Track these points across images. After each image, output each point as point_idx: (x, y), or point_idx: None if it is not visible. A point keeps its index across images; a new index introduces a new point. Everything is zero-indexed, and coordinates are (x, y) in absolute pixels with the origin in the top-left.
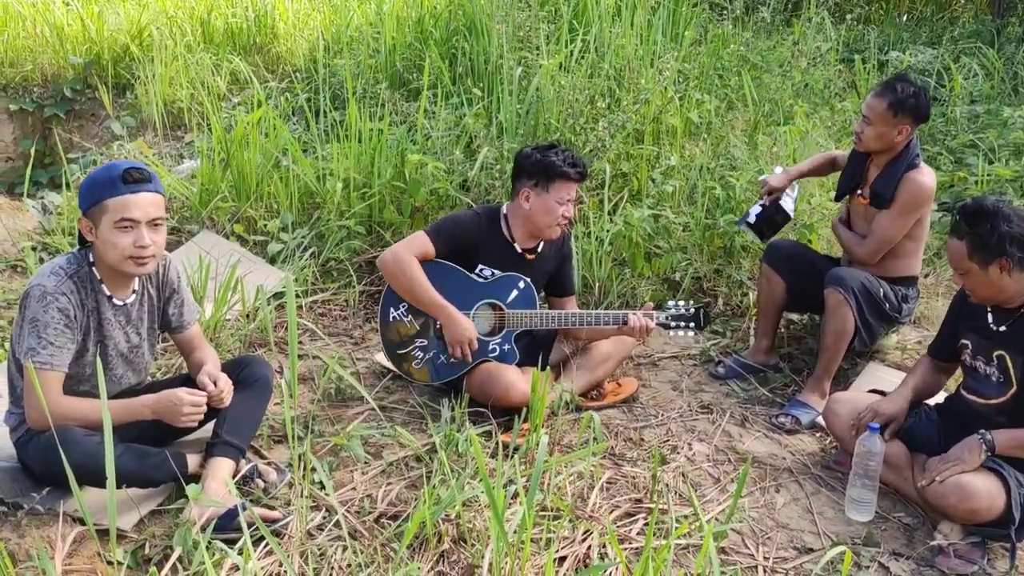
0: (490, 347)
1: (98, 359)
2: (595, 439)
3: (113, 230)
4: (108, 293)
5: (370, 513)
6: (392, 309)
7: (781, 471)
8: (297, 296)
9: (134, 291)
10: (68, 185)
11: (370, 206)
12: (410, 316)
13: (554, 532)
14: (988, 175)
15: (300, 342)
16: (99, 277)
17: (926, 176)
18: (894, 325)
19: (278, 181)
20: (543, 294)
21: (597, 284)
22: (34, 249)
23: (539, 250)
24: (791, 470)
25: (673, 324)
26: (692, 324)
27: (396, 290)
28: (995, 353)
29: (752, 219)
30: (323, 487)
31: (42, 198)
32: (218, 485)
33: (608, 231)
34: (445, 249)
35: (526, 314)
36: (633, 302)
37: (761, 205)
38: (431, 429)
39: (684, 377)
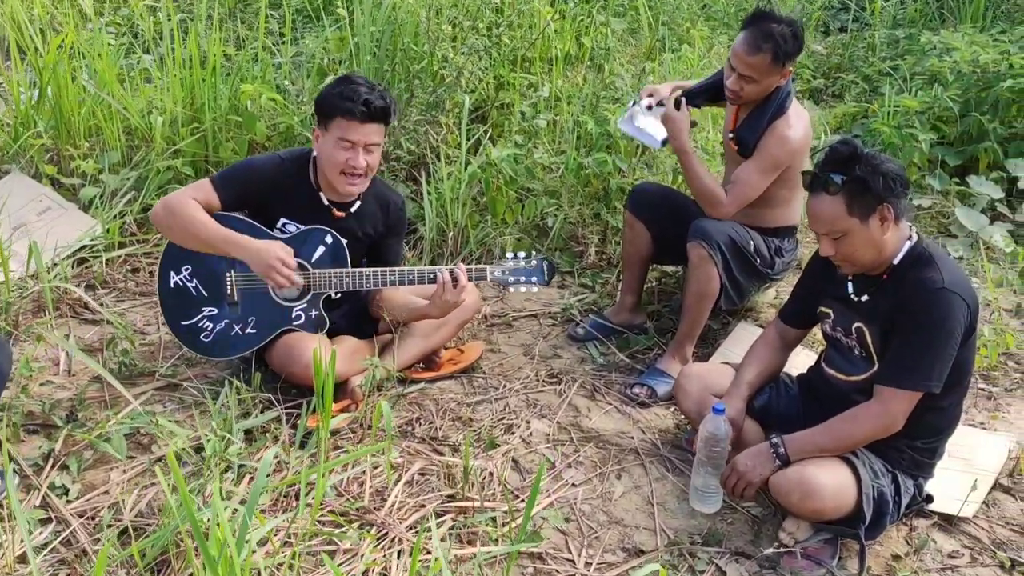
0: (293, 314)
1: None
2: (383, 429)
3: None
4: None
5: (111, 526)
6: (173, 273)
7: (627, 452)
8: (105, 249)
9: None
10: None
11: (203, 143)
12: (196, 280)
13: (337, 543)
14: (896, 106)
15: (101, 303)
16: None
17: (793, 126)
18: (767, 282)
19: (100, 115)
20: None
21: (451, 232)
22: None
23: (355, 209)
24: (638, 451)
25: (511, 280)
26: (534, 279)
27: (176, 240)
28: (855, 325)
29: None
30: (67, 492)
31: None
32: None
33: (464, 172)
34: (234, 199)
35: (335, 273)
36: (496, 253)
37: (634, 103)
38: (212, 415)
39: (539, 340)
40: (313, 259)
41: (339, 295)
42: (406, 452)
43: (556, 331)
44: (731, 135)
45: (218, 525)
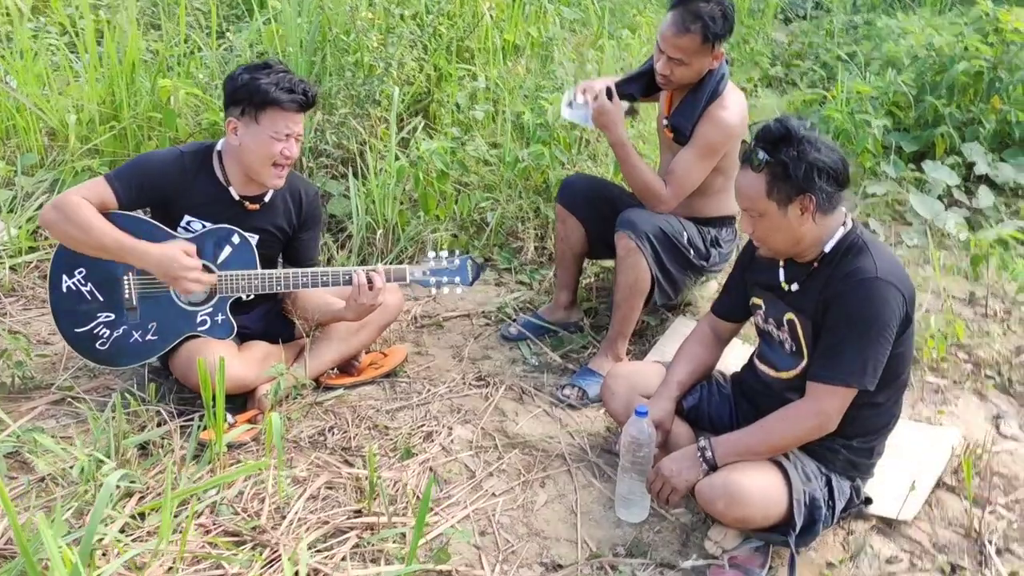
0: (198, 319)
1: None
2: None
3: None
4: None
5: None
6: (66, 277)
7: (553, 458)
8: (12, 255)
9: None
10: None
11: (123, 142)
12: (90, 284)
13: (225, 566)
14: (848, 92)
15: (5, 312)
16: None
17: (729, 109)
18: (703, 274)
19: (19, 117)
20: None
21: (380, 230)
22: None
23: (267, 199)
24: (565, 457)
25: (433, 280)
26: (457, 279)
27: (68, 245)
28: (786, 317)
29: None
30: None
31: None
32: None
33: (398, 168)
34: (131, 197)
35: (242, 275)
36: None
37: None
38: (94, 432)
39: (470, 341)
40: (219, 260)
41: (250, 297)
42: (314, 464)
43: (489, 331)
44: (665, 122)
45: (62, 556)
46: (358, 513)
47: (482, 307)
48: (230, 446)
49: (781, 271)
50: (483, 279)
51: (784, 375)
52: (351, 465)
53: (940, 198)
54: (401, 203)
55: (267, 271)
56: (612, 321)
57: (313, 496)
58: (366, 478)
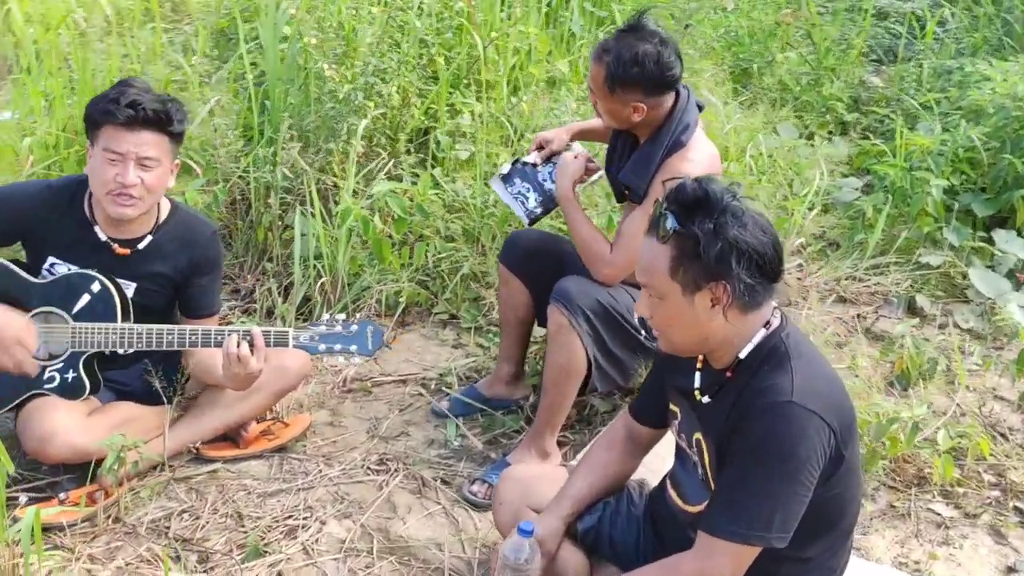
0: (46, 375)
1: None
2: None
3: None
4: None
5: None
6: None
7: (430, 573)
8: None
9: None
10: None
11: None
12: None
13: None
14: (908, 144)
15: None
16: None
17: (693, 161)
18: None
19: None
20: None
21: (326, 278)
22: None
23: (144, 246)
24: (452, 572)
25: (322, 347)
26: (353, 347)
27: None
28: (695, 435)
29: (507, 177)
30: None
31: None
32: None
33: (343, 211)
34: None
35: (98, 329)
36: (376, 305)
37: (523, 163)
38: None
39: (395, 413)
40: (75, 310)
41: (126, 352)
42: (138, 559)
43: (421, 402)
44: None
45: None
46: None
47: (427, 371)
48: (46, 529)
49: (698, 375)
50: (440, 339)
51: (691, 508)
52: (177, 561)
53: (1010, 275)
54: (355, 248)
55: (126, 325)
56: (539, 409)
57: None
58: None
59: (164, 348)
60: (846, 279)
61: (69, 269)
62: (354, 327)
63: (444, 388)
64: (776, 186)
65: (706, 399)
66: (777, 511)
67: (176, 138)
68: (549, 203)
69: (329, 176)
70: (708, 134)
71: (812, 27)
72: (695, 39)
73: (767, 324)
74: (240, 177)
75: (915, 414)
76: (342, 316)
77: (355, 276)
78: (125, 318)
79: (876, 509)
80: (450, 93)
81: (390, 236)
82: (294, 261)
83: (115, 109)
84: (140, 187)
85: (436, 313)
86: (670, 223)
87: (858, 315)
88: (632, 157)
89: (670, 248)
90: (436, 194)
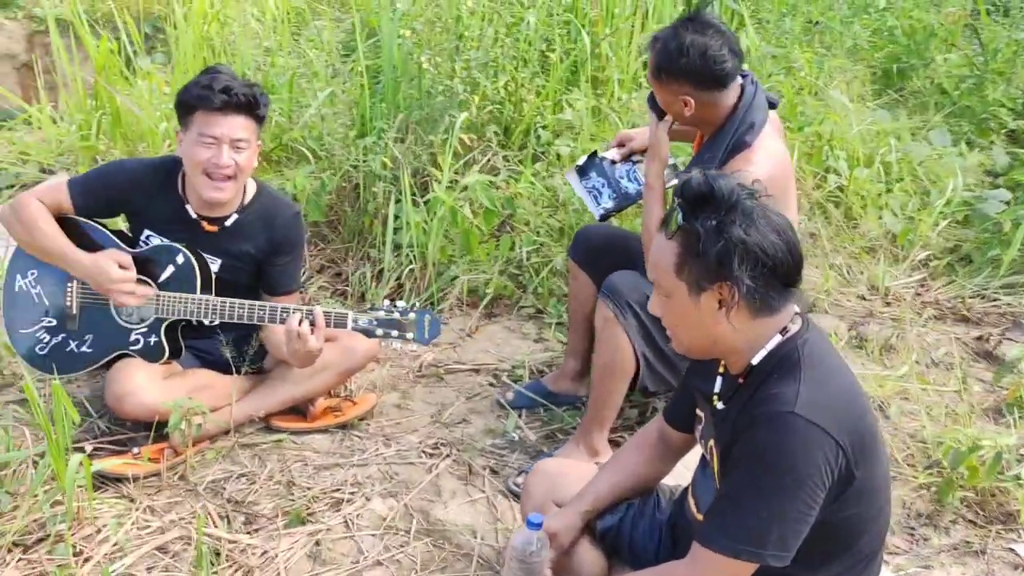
0: (131, 337)
1: None
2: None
3: None
4: None
5: None
6: (19, 276)
7: (458, 559)
8: None
9: None
10: None
11: None
12: (39, 287)
13: None
14: None
15: None
16: None
17: (756, 164)
18: None
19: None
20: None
21: (415, 266)
22: None
23: (230, 223)
24: (473, 559)
25: (379, 332)
26: (409, 335)
27: (19, 243)
28: (710, 441)
29: (583, 170)
30: None
31: None
32: None
33: (431, 200)
34: (87, 204)
35: (178, 298)
36: (459, 295)
37: (601, 159)
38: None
39: (461, 400)
40: (160, 279)
41: (213, 322)
42: (189, 516)
43: (490, 392)
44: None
45: None
46: None
47: (502, 363)
48: (116, 479)
49: (718, 380)
50: (522, 332)
51: (701, 516)
52: (224, 521)
53: None
54: (447, 239)
55: (203, 297)
56: (588, 404)
57: (149, 554)
58: (226, 542)
59: (234, 321)
60: (972, 297)
61: (162, 242)
62: (412, 315)
63: (514, 380)
64: (909, 195)
65: (720, 405)
66: (773, 528)
67: (261, 121)
68: (623, 200)
69: (430, 167)
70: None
71: (981, 27)
72: (843, 39)
73: (784, 330)
74: (353, 166)
75: (1001, 443)
76: (402, 303)
77: (446, 265)
78: (204, 290)
79: (947, 543)
80: (568, 90)
81: (479, 228)
82: (385, 248)
83: (210, 95)
84: (233, 167)
85: (522, 306)
86: (678, 218)
87: (980, 336)
88: (694, 158)
89: (676, 244)
90: (528, 188)
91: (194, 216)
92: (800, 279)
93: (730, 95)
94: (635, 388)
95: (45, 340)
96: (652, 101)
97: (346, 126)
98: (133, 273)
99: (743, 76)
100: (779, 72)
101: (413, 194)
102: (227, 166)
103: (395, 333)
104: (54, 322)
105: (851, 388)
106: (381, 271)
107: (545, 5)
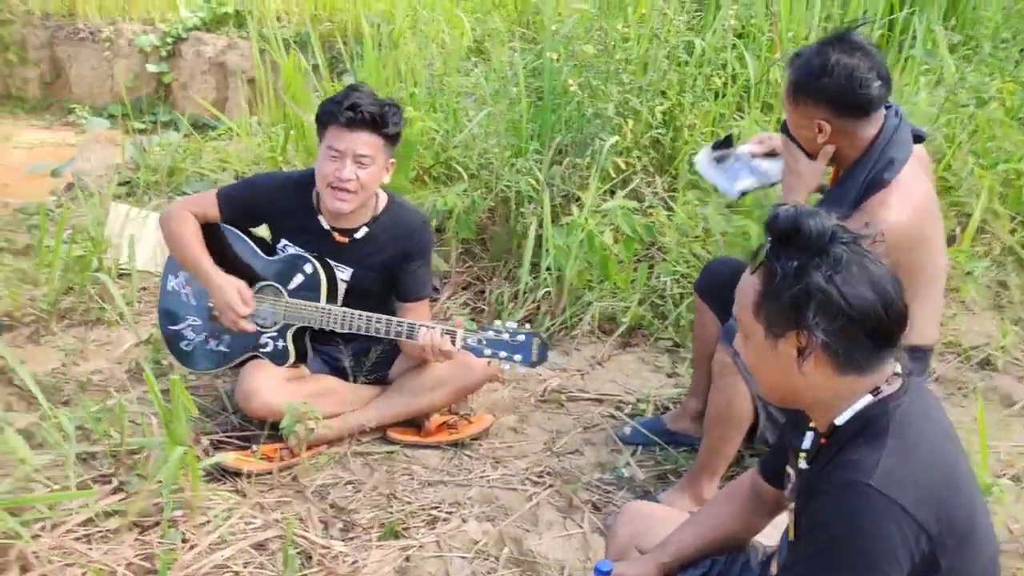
0: (262, 339)
1: None
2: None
3: None
4: None
5: None
6: (172, 278)
7: None
8: None
9: None
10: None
11: None
12: (188, 288)
13: None
14: None
15: None
16: None
17: (892, 206)
18: None
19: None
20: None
21: (552, 289)
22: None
23: (361, 236)
24: None
25: (487, 352)
26: (517, 357)
27: (168, 248)
28: (792, 504)
29: (715, 161)
30: None
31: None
32: None
33: (570, 224)
34: (232, 214)
35: (303, 306)
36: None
37: (737, 154)
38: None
39: (578, 430)
40: (290, 287)
41: (345, 330)
42: (283, 518)
43: (609, 424)
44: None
45: None
46: None
47: (629, 394)
48: (234, 473)
49: (808, 436)
50: (655, 365)
51: None
52: (326, 528)
53: None
54: (586, 262)
55: (326, 305)
56: (699, 450)
57: (246, 550)
58: (323, 547)
59: (352, 331)
60: None
61: (295, 251)
62: (521, 337)
63: (636, 414)
64: None
65: (803, 464)
66: None
67: (391, 139)
68: (764, 179)
69: (575, 190)
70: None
71: None
72: None
73: (877, 391)
74: (506, 186)
75: None
76: (513, 324)
77: (584, 290)
78: (330, 300)
79: None
80: (737, 116)
81: (618, 255)
82: (523, 268)
83: (338, 111)
84: (355, 182)
85: (660, 338)
86: (763, 254)
87: None
88: (824, 194)
89: (757, 282)
90: (670, 216)
91: (326, 227)
92: (898, 339)
93: (870, 126)
94: (754, 439)
95: (190, 337)
96: (786, 128)
97: (501, 146)
98: (248, 309)
99: (887, 107)
100: (969, 101)
101: (557, 217)
102: (349, 180)
103: (503, 354)
104: (198, 321)
105: (946, 463)
106: (520, 291)
107: (713, 27)
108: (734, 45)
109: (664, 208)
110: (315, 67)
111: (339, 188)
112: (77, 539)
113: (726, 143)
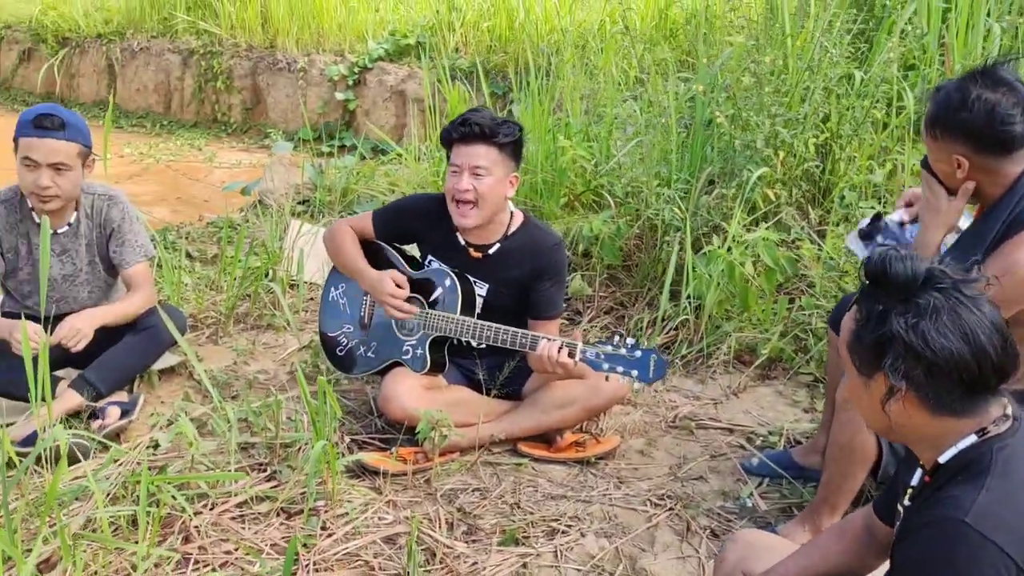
0: (404, 347)
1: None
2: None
3: (21, 167)
4: (38, 221)
5: None
6: (333, 289)
7: None
8: None
9: (68, 223)
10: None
11: (534, 191)
12: (345, 298)
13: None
14: None
15: None
16: (30, 206)
17: None
18: None
19: None
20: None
21: (689, 316)
22: (303, 202)
23: (493, 251)
24: None
25: (606, 366)
26: (634, 372)
27: (331, 260)
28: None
29: (867, 235)
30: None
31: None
32: (55, 412)
33: (711, 253)
34: (385, 232)
35: (440, 317)
36: (721, 353)
37: (887, 222)
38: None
39: (705, 457)
40: (431, 299)
41: (481, 345)
42: (424, 515)
43: (737, 455)
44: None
45: None
46: None
47: (760, 427)
48: (372, 471)
49: (917, 473)
50: (793, 399)
51: None
52: (449, 527)
53: None
54: (727, 292)
55: (461, 317)
56: (820, 485)
57: (388, 540)
58: (446, 546)
59: (482, 342)
60: None
61: (440, 266)
62: (638, 353)
63: (767, 447)
64: None
65: (907, 501)
66: None
67: (505, 149)
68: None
69: (720, 220)
70: None
71: None
72: None
73: (983, 431)
74: (655, 213)
75: None
76: (632, 340)
77: (723, 319)
78: (465, 312)
79: None
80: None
81: (760, 286)
82: (662, 295)
83: (453, 128)
84: (472, 192)
85: (800, 372)
86: (860, 290)
87: None
88: (962, 233)
89: (851, 321)
90: (814, 250)
91: (463, 243)
92: (997, 385)
93: (1014, 164)
94: (878, 474)
95: (343, 343)
96: (927, 163)
97: (649, 175)
98: (405, 292)
99: None
100: None
101: (701, 246)
102: (465, 190)
103: (620, 369)
104: (352, 328)
105: None
106: (663, 317)
107: (879, 60)
108: (906, 76)
109: (811, 241)
110: (479, 95)
111: (460, 201)
112: (232, 518)
113: (874, 221)
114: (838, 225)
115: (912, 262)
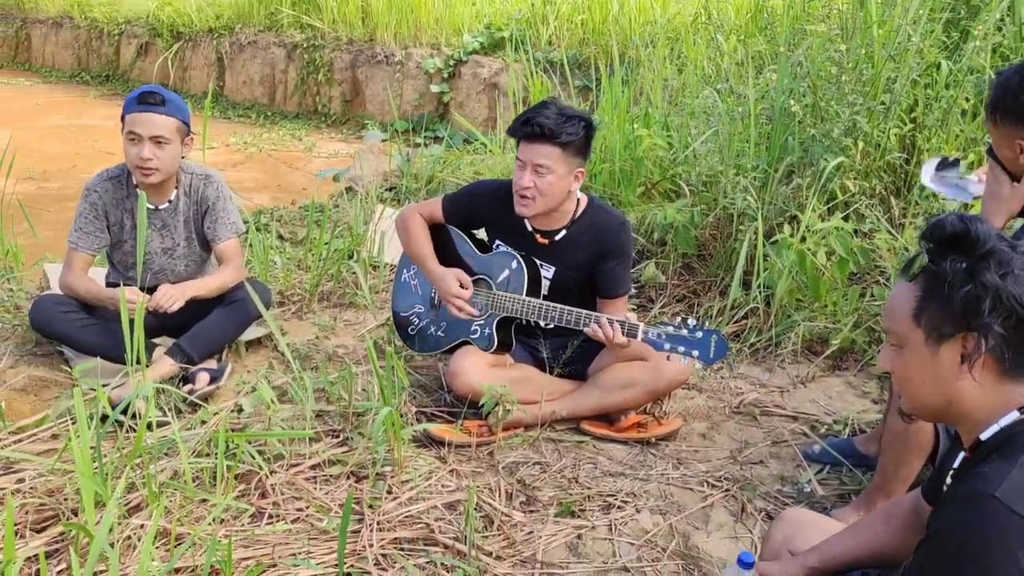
0: (472, 327)
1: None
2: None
3: (126, 142)
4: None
5: None
6: (405, 271)
7: None
8: None
9: (169, 200)
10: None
11: (612, 179)
12: (417, 280)
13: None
14: None
15: None
16: (135, 183)
17: None
18: None
19: None
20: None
21: (759, 305)
22: (390, 189)
23: (560, 237)
24: None
25: (667, 346)
26: (696, 353)
27: (400, 242)
28: None
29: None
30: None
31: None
32: (151, 376)
33: (782, 241)
34: (455, 217)
35: (506, 298)
36: (790, 342)
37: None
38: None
39: (767, 442)
40: (498, 280)
41: (548, 325)
42: (485, 484)
43: (800, 441)
44: None
45: None
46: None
47: (826, 415)
48: (439, 441)
49: (960, 456)
50: (862, 389)
51: None
52: (510, 498)
53: None
54: (799, 281)
55: (526, 298)
56: (876, 471)
57: (443, 507)
58: (504, 514)
59: (547, 321)
60: None
61: (508, 249)
62: (699, 333)
63: (831, 435)
64: None
65: (949, 480)
66: None
67: (568, 147)
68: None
69: (795, 210)
70: None
71: None
72: None
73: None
74: (730, 203)
75: None
76: (693, 321)
77: (793, 309)
78: (531, 293)
79: None
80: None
81: (833, 275)
82: (732, 283)
83: (518, 126)
84: (532, 189)
85: (871, 363)
86: (922, 260)
87: None
88: (1019, 228)
89: (916, 287)
90: (888, 240)
91: (530, 229)
92: None
93: None
94: (935, 462)
95: (415, 323)
96: (992, 150)
97: (726, 165)
98: (468, 292)
99: None
100: None
101: (773, 235)
102: (527, 187)
103: (681, 349)
104: (423, 309)
105: None
106: (727, 306)
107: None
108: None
109: (888, 232)
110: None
111: (521, 195)
112: (306, 479)
113: (953, 164)
114: (917, 217)
115: (984, 223)
